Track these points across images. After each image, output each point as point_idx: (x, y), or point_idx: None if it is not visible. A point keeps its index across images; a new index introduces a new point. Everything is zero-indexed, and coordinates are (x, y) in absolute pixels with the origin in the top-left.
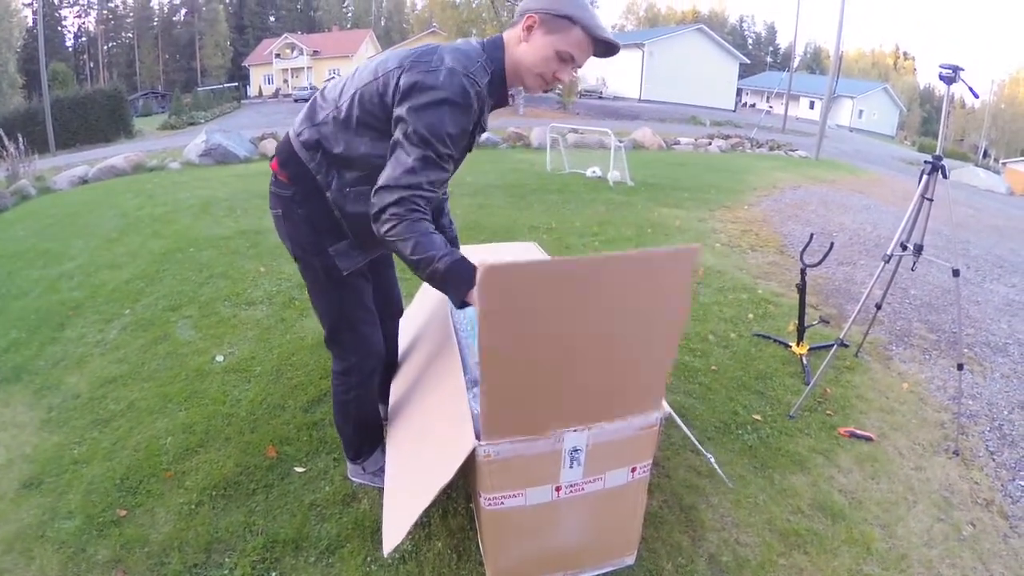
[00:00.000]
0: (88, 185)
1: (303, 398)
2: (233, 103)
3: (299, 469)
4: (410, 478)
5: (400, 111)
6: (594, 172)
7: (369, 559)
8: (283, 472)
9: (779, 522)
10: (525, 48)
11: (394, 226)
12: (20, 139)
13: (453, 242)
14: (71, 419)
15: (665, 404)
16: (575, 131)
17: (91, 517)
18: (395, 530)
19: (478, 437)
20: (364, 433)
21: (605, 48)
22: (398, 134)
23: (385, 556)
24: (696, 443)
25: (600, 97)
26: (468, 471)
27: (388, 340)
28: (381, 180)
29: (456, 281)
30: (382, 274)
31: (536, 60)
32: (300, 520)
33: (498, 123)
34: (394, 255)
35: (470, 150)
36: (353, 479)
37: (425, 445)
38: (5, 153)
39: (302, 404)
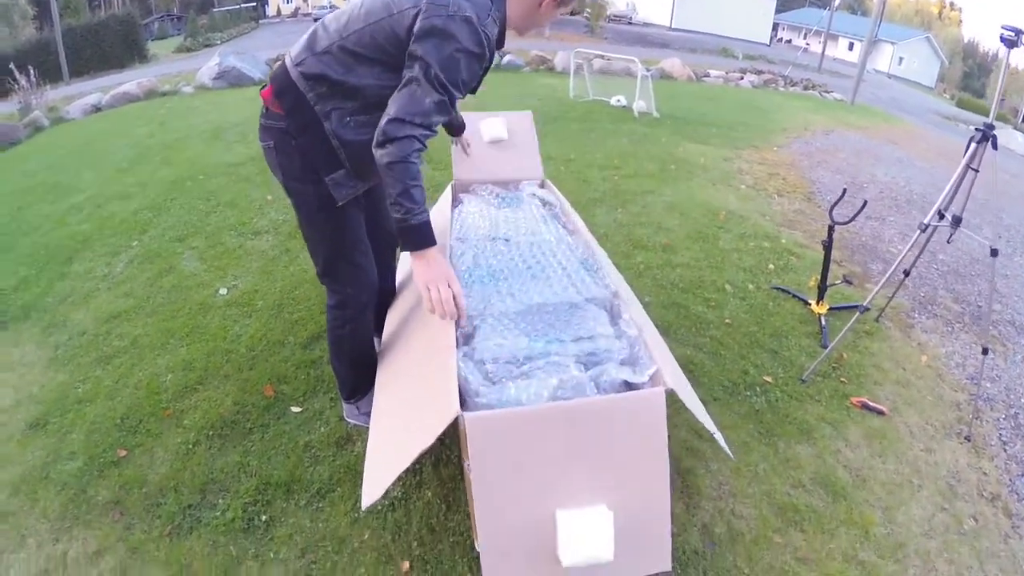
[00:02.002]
0: (101, 113)
1: (303, 334)
2: (250, 23)
3: (296, 409)
4: (393, 434)
5: (420, 52)
6: (619, 101)
7: (358, 504)
8: (279, 412)
9: (778, 495)
10: (522, 7)
11: (394, 162)
12: (31, 71)
13: (460, 127)
14: (76, 356)
15: (667, 381)
16: (601, 57)
17: (93, 458)
18: (374, 485)
19: (463, 405)
20: (359, 371)
21: None
22: (417, 72)
23: (363, 510)
24: (698, 418)
25: (629, 23)
26: (457, 429)
27: (384, 270)
28: (394, 111)
29: (416, 239)
30: (376, 205)
31: (531, 17)
32: (294, 462)
33: (522, 46)
34: None
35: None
36: (348, 420)
37: (411, 403)
38: (17, 87)
39: (302, 340)
